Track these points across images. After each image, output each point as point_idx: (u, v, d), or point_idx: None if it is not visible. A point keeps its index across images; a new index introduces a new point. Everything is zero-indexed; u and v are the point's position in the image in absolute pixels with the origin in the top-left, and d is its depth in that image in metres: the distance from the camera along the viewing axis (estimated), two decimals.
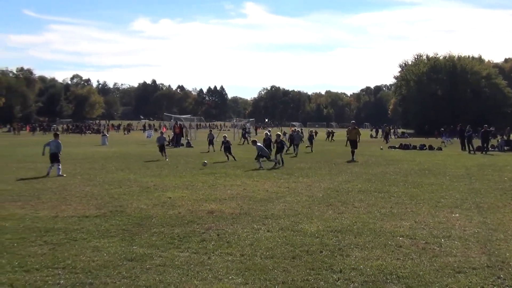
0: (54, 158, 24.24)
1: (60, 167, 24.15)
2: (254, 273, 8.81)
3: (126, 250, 10.22)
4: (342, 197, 17.57)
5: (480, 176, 24.27)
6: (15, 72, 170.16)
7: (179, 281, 8.39)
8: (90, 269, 8.91)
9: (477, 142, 47.00)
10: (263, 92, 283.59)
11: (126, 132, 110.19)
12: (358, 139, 35.50)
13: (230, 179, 22.46)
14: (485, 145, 45.15)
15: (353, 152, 34.83)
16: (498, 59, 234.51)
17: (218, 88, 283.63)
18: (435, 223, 13.18)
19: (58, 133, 28.32)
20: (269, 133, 36.55)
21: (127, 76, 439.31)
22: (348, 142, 39.20)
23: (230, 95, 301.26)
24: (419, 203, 16.26)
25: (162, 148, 34.08)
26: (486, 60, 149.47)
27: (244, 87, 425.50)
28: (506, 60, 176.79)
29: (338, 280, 8.51)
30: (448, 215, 14.25)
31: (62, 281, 8.27)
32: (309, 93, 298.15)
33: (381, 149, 49.57)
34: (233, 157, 33.33)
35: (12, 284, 8.12)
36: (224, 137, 36.41)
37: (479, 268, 9.19)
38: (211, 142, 42.70)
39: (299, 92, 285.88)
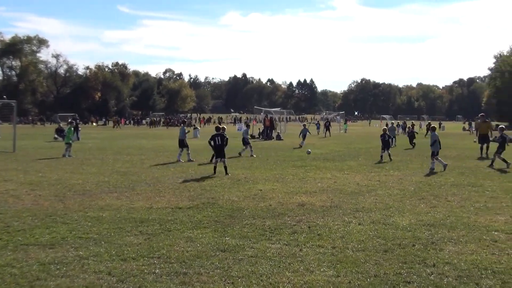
0: (181, 144, 27.80)
1: (189, 152, 27.39)
2: (345, 265, 8.79)
3: (218, 241, 10.38)
4: (434, 190, 17.27)
5: None
6: (110, 67, 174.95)
7: (271, 272, 8.46)
8: (184, 259, 9.10)
9: None
10: (353, 85, 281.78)
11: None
12: (490, 133, 32.00)
13: (320, 172, 22.43)
14: None
15: (482, 148, 31.50)
16: None
17: (308, 81, 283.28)
18: None
19: (186, 121, 30.25)
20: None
21: (218, 69, 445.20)
22: (478, 137, 34.25)
23: (319, 88, 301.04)
24: None
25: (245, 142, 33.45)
26: None
27: (334, 80, 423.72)
28: None
29: (432, 274, 8.39)
30: None
31: (157, 270, 8.48)
32: (400, 85, 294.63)
33: (475, 142, 48.19)
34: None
35: (110, 272, 8.37)
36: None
37: None
38: (304, 137, 41.30)
39: (389, 84, 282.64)
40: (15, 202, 14.69)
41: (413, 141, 41.26)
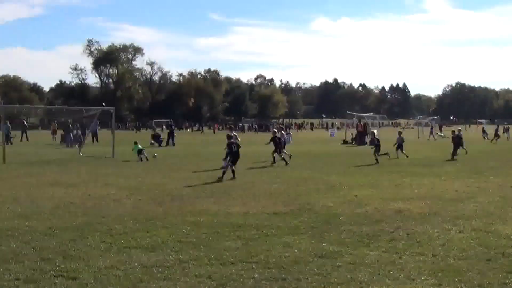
0: None
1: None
2: (448, 274, 8.58)
3: (316, 247, 10.34)
4: None
5: None
6: (202, 73, 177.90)
7: (370, 279, 8.36)
8: (282, 265, 9.11)
9: None
10: (447, 89, 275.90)
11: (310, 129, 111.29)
12: None
13: (416, 178, 22.02)
14: None
15: None
16: None
17: (401, 85, 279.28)
18: None
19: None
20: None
21: (309, 75, 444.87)
22: None
23: (412, 92, 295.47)
24: None
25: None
26: None
27: (427, 84, 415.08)
28: None
29: None
30: None
31: (256, 275, 8.53)
32: (497, 89, 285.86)
33: None
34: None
35: (210, 276, 8.47)
36: (399, 132, 35.70)
37: None
38: (400, 147, 34.06)
39: (485, 88, 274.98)
40: (116, 206, 15.13)
41: None
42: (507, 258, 9.53)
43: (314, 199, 16.41)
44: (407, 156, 32.35)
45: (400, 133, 35.62)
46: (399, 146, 33.55)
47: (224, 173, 21.96)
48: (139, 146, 31.90)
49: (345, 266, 9.04)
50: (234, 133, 29.58)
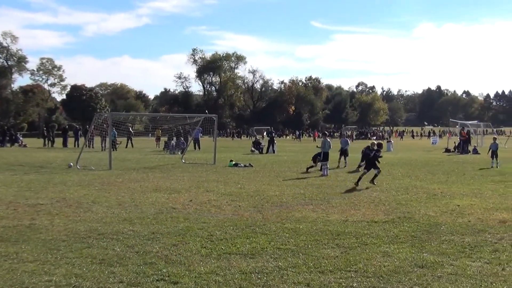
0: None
1: (326, 166, 27.19)
2: None
3: (416, 256, 10.23)
4: None
5: None
6: (304, 81, 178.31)
7: None
8: (381, 274, 9.07)
9: None
10: None
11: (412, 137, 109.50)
12: None
13: None
14: None
15: None
16: None
17: (506, 92, 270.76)
18: None
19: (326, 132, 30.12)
20: None
21: (411, 82, 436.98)
22: None
23: None
24: None
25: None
26: None
27: None
28: None
29: None
30: None
31: (355, 284, 8.53)
32: None
33: None
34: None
35: (308, 284, 8.54)
36: (494, 138, 34.79)
37: None
38: (494, 153, 33.17)
39: None
40: (217, 212, 15.42)
41: None
42: None
43: (415, 208, 16.20)
44: (497, 167, 31.42)
45: (494, 139, 34.60)
46: (493, 153, 32.62)
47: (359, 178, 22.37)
48: (233, 163, 32.46)
49: (446, 277, 8.91)
50: (329, 140, 29.61)
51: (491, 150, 32.89)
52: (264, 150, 49.92)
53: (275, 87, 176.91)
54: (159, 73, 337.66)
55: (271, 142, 51.32)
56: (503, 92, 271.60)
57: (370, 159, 23.04)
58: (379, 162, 23.04)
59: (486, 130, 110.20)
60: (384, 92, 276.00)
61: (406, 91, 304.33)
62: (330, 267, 9.50)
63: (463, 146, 51.61)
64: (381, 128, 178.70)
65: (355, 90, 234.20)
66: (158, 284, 8.56)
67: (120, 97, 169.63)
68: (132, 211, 15.46)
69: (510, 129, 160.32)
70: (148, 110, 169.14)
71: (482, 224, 13.57)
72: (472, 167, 32.38)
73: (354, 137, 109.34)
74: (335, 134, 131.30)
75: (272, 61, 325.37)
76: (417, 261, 9.90)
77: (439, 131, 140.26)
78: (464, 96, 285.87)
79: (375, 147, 23.52)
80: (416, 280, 8.76)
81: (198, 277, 8.88)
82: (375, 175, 22.57)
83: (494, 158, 32.45)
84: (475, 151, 49.40)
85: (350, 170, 29.13)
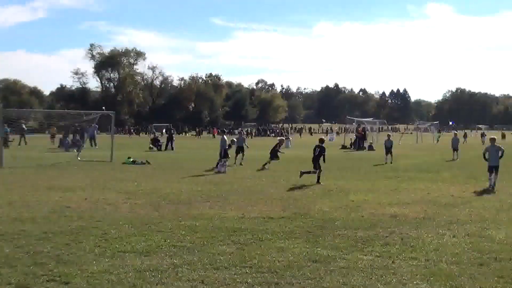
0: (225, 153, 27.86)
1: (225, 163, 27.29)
2: (439, 279, 8.62)
3: (310, 251, 10.38)
4: None
5: None
6: (204, 78, 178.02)
7: (363, 284, 8.40)
8: (275, 269, 9.14)
9: None
10: (447, 95, 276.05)
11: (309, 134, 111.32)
12: None
13: (413, 182, 22.10)
14: None
15: None
16: None
17: (401, 90, 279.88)
18: None
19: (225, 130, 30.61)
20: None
21: (310, 80, 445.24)
22: None
23: (413, 97, 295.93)
24: None
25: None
26: None
27: (428, 89, 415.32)
28: None
29: None
30: None
31: (249, 280, 8.56)
32: (497, 95, 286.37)
33: None
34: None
35: (203, 281, 8.51)
36: (388, 135, 36.08)
37: None
38: (388, 150, 33.96)
39: (485, 94, 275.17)
40: (112, 211, 15.16)
41: None
42: (499, 263, 9.58)
43: (310, 204, 16.46)
44: (391, 163, 32.48)
45: (389, 136, 35.78)
46: (388, 150, 33.63)
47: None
48: (130, 160, 32.10)
49: (338, 271, 9.08)
50: (225, 137, 29.76)
51: (385, 147, 33.86)
52: (163, 147, 49.67)
53: (175, 84, 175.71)
54: (55, 68, 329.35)
55: (169, 139, 51.11)
56: (398, 90, 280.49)
57: (315, 156, 23.06)
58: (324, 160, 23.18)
59: (382, 127, 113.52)
60: (284, 90, 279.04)
61: (305, 88, 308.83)
62: (225, 263, 9.50)
63: (359, 142, 52.95)
64: (280, 125, 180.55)
65: (255, 87, 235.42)
66: (49, 284, 8.32)
67: (13, 93, 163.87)
68: (23, 210, 14.96)
69: (404, 126, 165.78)
70: (43, 107, 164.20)
71: (375, 219, 13.94)
72: (367, 163, 33.25)
73: (254, 134, 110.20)
74: (235, 131, 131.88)
75: (172, 57, 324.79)
76: (311, 255, 10.04)
77: (339, 128, 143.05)
78: (361, 94, 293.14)
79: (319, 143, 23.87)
80: (309, 274, 8.88)
81: (90, 277, 8.67)
82: (315, 173, 22.74)
83: (388, 154, 33.42)
84: (371, 148, 50.80)
85: (253, 167, 29.24)
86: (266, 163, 28.93)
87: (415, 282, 8.46)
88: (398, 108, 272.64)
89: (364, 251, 10.47)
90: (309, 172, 22.84)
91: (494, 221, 13.63)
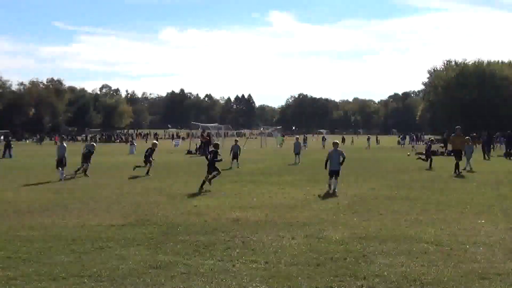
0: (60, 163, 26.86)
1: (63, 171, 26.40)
2: (278, 280, 8.82)
3: (151, 258, 10.29)
4: (367, 204, 17.54)
5: (509, 182, 24.05)
6: (45, 83, 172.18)
7: None
8: (115, 277, 8.98)
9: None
10: (290, 100, 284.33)
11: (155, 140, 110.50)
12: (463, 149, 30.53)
13: (256, 186, 22.50)
14: (508, 150, 45.32)
15: (457, 165, 28.90)
16: None
17: (246, 96, 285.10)
18: (461, 229, 13.11)
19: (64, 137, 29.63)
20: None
21: (156, 85, 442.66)
22: (453, 153, 31.18)
23: (257, 103, 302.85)
24: (445, 210, 16.17)
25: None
26: None
27: (272, 95, 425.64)
28: None
29: (362, 286, 8.52)
30: (474, 221, 14.17)
31: None
32: (337, 100, 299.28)
33: (408, 155, 49.31)
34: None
35: None
36: (236, 140, 36.90)
37: (503, 274, 9.13)
38: (235, 156, 34.65)
39: (326, 99, 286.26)
40: None
41: None
42: (335, 262, 9.94)
43: (153, 210, 16.31)
44: (238, 167, 33.08)
45: (236, 141, 36.41)
46: (235, 155, 34.15)
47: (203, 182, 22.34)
48: None
49: (179, 276, 9.06)
50: (64, 144, 28.89)
51: (232, 152, 34.30)
52: (0, 155, 47.64)
53: (13, 89, 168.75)
54: None
55: (7, 146, 49.15)
56: (242, 95, 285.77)
57: (210, 161, 22.95)
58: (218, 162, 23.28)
59: (227, 133, 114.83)
60: (129, 95, 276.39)
61: (150, 94, 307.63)
62: (63, 273, 9.20)
63: (204, 148, 53.24)
64: (125, 131, 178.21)
65: (99, 92, 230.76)
66: None
67: None
68: None
69: (249, 131, 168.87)
70: None
71: (217, 223, 14.04)
72: None
73: (98, 141, 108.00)
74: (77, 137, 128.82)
75: (11, 61, 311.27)
76: (152, 262, 9.95)
77: (187, 134, 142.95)
78: (206, 100, 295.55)
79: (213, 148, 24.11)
80: (150, 281, 8.80)
81: None
82: (214, 176, 22.83)
83: (234, 160, 33.89)
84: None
85: (97, 176, 28.58)
86: (138, 168, 28.38)
87: (254, 285, 8.60)
88: (243, 113, 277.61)
89: (205, 255, 10.52)
90: (214, 177, 23.05)
91: (331, 222, 14.13)
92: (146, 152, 29.90)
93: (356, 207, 16.76)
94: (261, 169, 32.34)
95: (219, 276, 9.09)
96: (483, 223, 13.91)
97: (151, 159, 29.53)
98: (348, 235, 12.39)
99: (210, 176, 22.63)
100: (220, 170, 23.48)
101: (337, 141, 23.19)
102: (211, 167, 22.89)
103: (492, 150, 46.72)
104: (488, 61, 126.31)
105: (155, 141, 34.76)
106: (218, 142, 28.34)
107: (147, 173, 28.11)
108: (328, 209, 16.44)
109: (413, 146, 66.44)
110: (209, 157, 23.31)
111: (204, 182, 22.14)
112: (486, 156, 43.68)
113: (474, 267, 9.53)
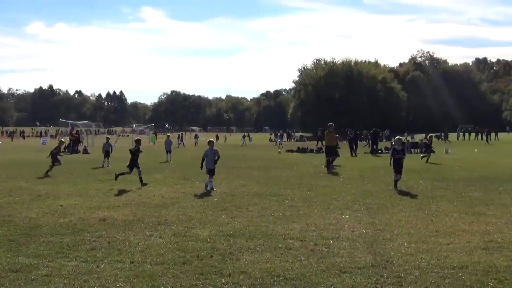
0: None
1: None
2: (142, 280, 8.75)
3: (11, 261, 9.91)
4: (236, 201, 17.68)
5: (373, 178, 24.97)
6: None
7: None
8: None
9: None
10: (163, 97, 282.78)
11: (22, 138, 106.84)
12: (336, 145, 31.98)
13: (125, 185, 22.13)
14: (374, 147, 47.35)
15: (329, 161, 30.47)
16: (393, 63, 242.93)
17: (118, 93, 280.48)
18: (326, 224, 13.49)
19: None
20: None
21: (22, 81, 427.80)
22: (324, 148, 32.85)
23: (129, 100, 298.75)
24: (311, 206, 16.57)
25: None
26: (382, 64, 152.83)
27: (144, 92, 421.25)
28: (401, 65, 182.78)
29: (227, 284, 8.58)
30: (339, 217, 14.61)
31: None
32: (210, 97, 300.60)
33: (279, 152, 50.28)
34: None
35: None
36: (107, 138, 36.34)
37: (364, 267, 9.46)
38: (107, 154, 33.96)
39: (199, 96, 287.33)
40: None
41: None
42: (201, 260, 9.96)
43: (16, 211, 15.74)
44: (108, 166, 32.62)
45: (107, 139, 35.88)
46: (107, 153, 33.56)
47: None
48: None
49: (40, 279, 8.80)
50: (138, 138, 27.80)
51: (104, 150, 33.63)
52: None
53: None
54: None
55: None
56: (114, 92, 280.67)
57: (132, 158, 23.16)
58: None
59: (98, 130, 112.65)
60: None
61: (17, 90, 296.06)
62: None
63: (73, 146, 52.11)
64: None
65: None
66: None
67: None
68: None
69: (121, 129, 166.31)
70: None
71: (83, 223, 13.72)
72: (82, 166, 32.74)
73: None
74: None
75: None
76: (11, 265, 9.59)
77: (56, 131, 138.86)
78: (76, 96, 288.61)
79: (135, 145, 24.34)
80: (8, 285, 8.50)
81: None
82: (123, 173, 23.08)
83: (106, 158, 33.25)
84: (86, 151, 50.10)
85: None
86: (48, 170, 27.03)
87: (118, 285, 8.49)
88: (115, 111, 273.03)
89: (69, 257, 10.26)
90: (123, 174, 23.13)
91: (199, 220, 14.15)
92: (54, 150, 28.77)
93: (225, 204, 16.86)
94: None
95: (82, 277, 8.90)
96: (347, 218, 14.37)
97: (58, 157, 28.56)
98: (216, 233, 12.45)
99: (118, 173, 23.06)
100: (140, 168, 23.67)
101: (212, 140, 23.25)
102: (134, 163, 23.17)
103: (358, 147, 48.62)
104: (355, 60, 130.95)
105: (62, 139, 34.01)
106: (139, 138, 28.03)
107: (47, 172, 26.94)
108: (197, 207, 16.45)
109: (280, 143, 67.71)
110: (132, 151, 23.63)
111: (122, 173, 22.91)
112: (353, 153, 45.10)
113: (336, 261, 9.83)
